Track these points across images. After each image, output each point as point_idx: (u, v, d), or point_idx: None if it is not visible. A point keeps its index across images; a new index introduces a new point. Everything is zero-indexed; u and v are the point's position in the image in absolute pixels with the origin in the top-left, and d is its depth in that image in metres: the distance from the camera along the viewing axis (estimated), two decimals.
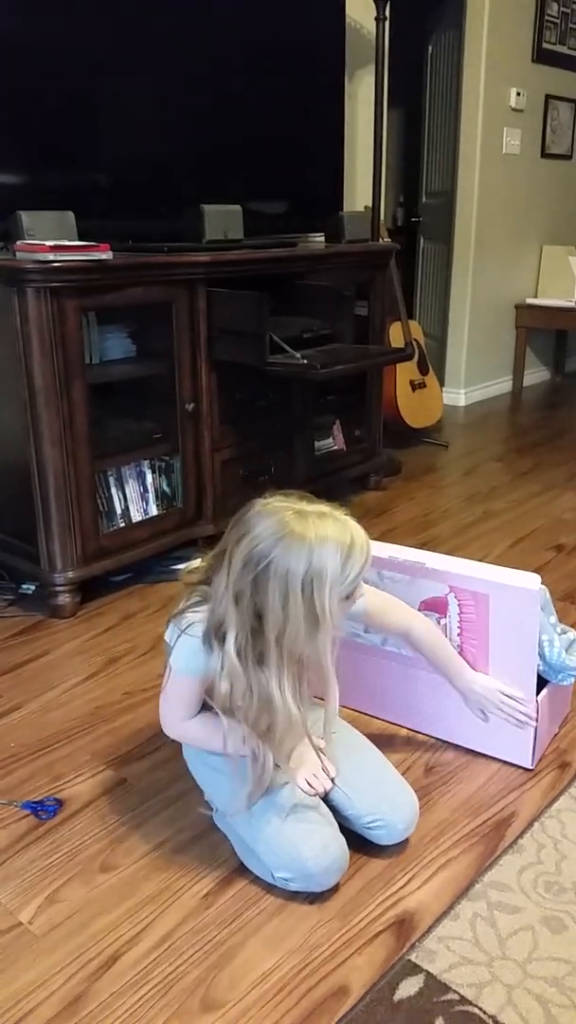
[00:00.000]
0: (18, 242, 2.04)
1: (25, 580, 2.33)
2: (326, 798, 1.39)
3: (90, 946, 1.23)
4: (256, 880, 1.34)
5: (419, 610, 1.61)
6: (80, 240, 2.11)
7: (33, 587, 2.31)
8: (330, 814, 1.35)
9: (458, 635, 1.60)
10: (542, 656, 1.55)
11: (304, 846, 1.27)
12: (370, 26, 3.18)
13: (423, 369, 3.87)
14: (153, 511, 2.43)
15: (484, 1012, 1.12)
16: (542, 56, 4.42)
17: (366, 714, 1.77)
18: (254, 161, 2.87)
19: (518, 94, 4.33)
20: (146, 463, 2.42)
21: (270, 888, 1.32)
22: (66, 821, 1.48)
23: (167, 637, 1.33)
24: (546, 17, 4.37)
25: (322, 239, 3.09)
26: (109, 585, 2.33)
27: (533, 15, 4.30)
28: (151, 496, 2.43)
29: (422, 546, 2.55)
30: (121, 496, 2.37)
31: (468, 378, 4.61)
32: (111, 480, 2.34)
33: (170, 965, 1.20)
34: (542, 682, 1.59)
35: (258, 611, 1.18)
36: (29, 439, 2.08)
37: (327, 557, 1.16)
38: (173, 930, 1.26)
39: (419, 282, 4.71)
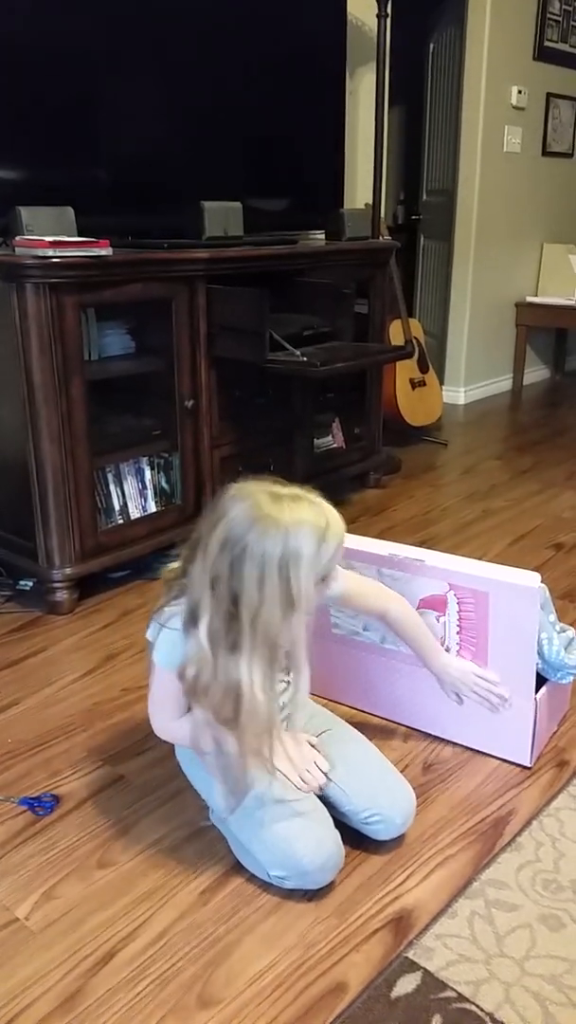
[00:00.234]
0: (17, 238, 2.04)
1: (23, 576, 2.32)
2: (322, 795, 1.38)
3: (87, 942, 1.23)
4: (254, 877, 1.34)
5: (418, 608, 1.61)
6: (80, 236, 2.11)
7: (31, 583, 2.31)
8: (325, 811, 1.34)
9: (457, 633, 1.60)
10: (541, 654, 1.55)
11: (298, 843, 1.27)
12: (371, 23, 3.17)
13: (423, 367, 3.86)
14: (152, 508, 2.43)
15: (482, 1010, 1.12)
16: (543, 54, 4.41)
17: (364, 711, 1.77)
18: (254, 158, 2.87)
19: (519, 92, 4.33)
20: (145, 460, 2.41)
21: (267, 885, 1.32)
22: (63, 817, 1.48)
23: (149, 635, 1.32)
24: (548, 15, 4.37)
25: (322, 236, 3.09)
26: (107, 582, 2.33)
27: (535, 13, 4.30)
28: (150, 493, 2.43)
29: (421, 544, 2.55)
30: (120, 493, 2.36)
31: (468, 376, 4.61)
32: (110, 477, 2.34)
33: (167, 962, 1.20)
34: (541, 680, 1.58)
35: (234, 595, 1.17)
36: (28, 435, 2.08)
37: (303, 540, 1.16)
38: (170, 927, 1.25)
39: (419, 280, 4.70)
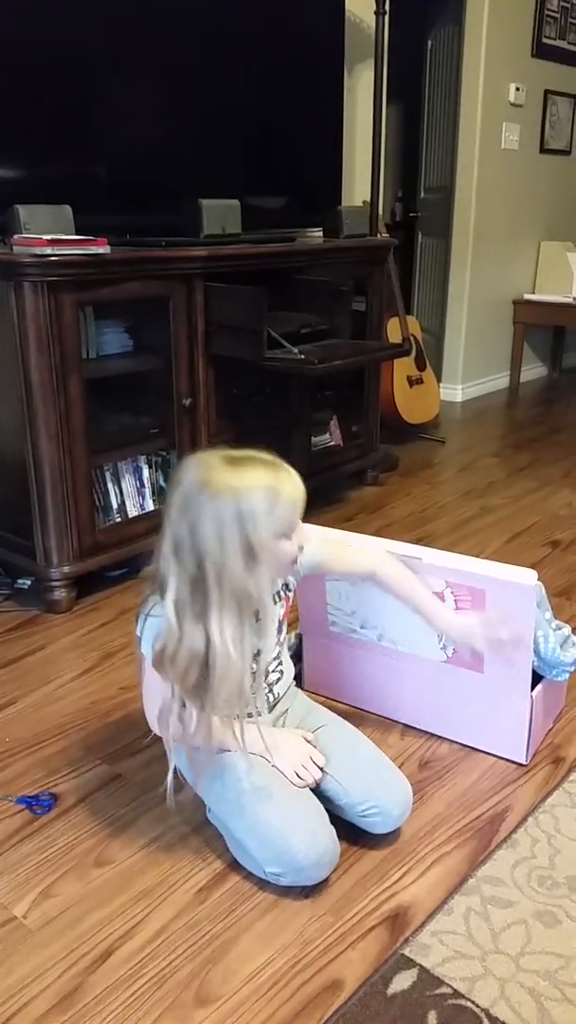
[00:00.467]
0: (15, 236, 2.04)
1: (21, 575, 2.33)
2: (319, 789, 1.39)
3: (84, 941, 1.23)
4: (250, 875, 1.34)
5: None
6: (77, 234, 2.11)
7: (29, 582, 2.31)
8: (320, 807, 1.35)
9: None
10: (537, 652, 1.56)
11: (294, 838, 1.27)
12: (370, 20, 3.17)
13: (420, 365, 3.87)
14: (149, 506, 2.43)
15: (477, 1006, 1.12)
16: (542, 51, 4.41)
17: (361, 709, 1.78)
18: (252, 155, 2.86)
19: (517, 89, 4.33)
20: (143, 458, 2.42)
21: (264, 883, 1.33)
22: (61, 816, 1.49)
23: (137, 631, 1.33)
24: (546, 12, 4.36)
25: (320, 234, 3.09)
26: (105, 580, 2.33)
27: (533, 10, 4.29)
28: (147, 491, 2.43)
29: (418, 541, 2.55)
30: (117, 491, 2.37)
31: (465, 374, 4.61)
32: (107, 475, 2.34)
33: (164, 960, 1.20)
34: (537, 678, 1.59)
35: (198, 557, 1.19)
36: (25, 434, 2.08)
37: (255, 500, 1.19)
38: (167, 925, 1.26)
39: (417, 277, 4.70)
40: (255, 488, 1.19)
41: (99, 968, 1.19)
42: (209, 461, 1.22)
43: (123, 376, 2.39)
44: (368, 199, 3.33)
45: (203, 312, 2.38)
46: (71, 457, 2.12)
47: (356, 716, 1.74)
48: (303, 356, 2.41)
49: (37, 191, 2.19)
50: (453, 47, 4.17)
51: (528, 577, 1.50)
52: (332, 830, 1.32)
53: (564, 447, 3.73)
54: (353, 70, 3.42)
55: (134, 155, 2.53)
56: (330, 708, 1.58)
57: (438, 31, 4.26)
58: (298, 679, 1.72)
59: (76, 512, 2.17)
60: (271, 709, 1.49)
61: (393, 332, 3.67)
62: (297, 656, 1.79)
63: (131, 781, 1.57)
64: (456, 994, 1.14)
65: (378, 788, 1.39)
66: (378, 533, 2.69)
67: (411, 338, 3.74)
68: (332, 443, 3.09)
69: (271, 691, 1.48)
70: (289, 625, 1.55)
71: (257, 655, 1.35)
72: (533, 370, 5.19)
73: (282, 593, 1.45)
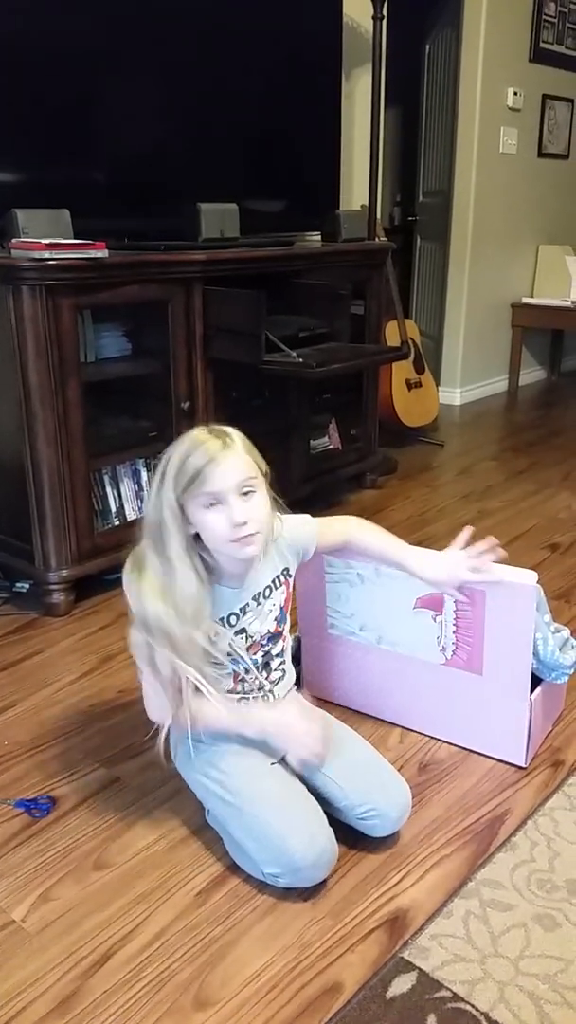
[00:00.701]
0: (14, 240, 2.04)
1: (19, 578, 2.33)
2: (317, 791, 1.39)
3: (83, 944, 1.23)
4: (249, 878, 1.34)
5: (415, 607, 1.62)
6: (76, 238, 2.11)
7: (27, 585, 2.31)
8: (318, 808, 1.35)
9: (453, 632, 1.60)
10: (536, 655, 1.56)
11: (292, 839, 1.27)
12: (368, 25, 3.18)
13: (419, 368, 3.87)
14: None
15: (476, 1009, 1.12)
16: (539, 56, 4.42)
17: (359, 712, 1.78)
18: (251, 159, 2.87)
19: (515, 94, 4.34)
20: (141, 462, 2.42)
21: (263, 886, 1.32)
22: (59, 819, 1.48)
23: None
24: (543, 17, 4.38)
25: (319, 238, 3.09)
26: (103, 583, 2.33)
27: (530, 15, 4.31)
28: (145, 495, 2.43)
29: (418, 544, 2.55)
30: (116, 495, 2.37)
31: (464, 377, 4.61)
32: (106, 478, 2.34)
33: (163, 963, 1.20)
34: (536, 680, 1.59)
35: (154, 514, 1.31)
36: (24, 437, 2.08)
37: (175, 450, 1.29)
38: (166, 928, 1.26)
39: (415, 281, 4.71)
40: (176, 452, 1.29)
41: (98, 971, 1.19)
42: (186, 434, 1.33)
43: (121, 380, 2.39)
44: (366, 203, 3.34)
45: (202, 316, 2.38)
46: (69, 461, 2.12)
47: (355, 719, 1.74)
48: (301, 360, 2.42)
49: (36, 195, 2.19)
50: (451, 51, 4.18)
51: (528, 579, 1.50)
52: (330, 831, 1.32)
53: (563, 450, 3.73)
54: (351, 74, 3.43)
55: (133, 159, 2.54)
56: (329, 711, 1.58)
57: (436, 35, 4.27)
58: (297, 682, 1.71)
59: (74, 516, 2.17)
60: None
61: (391, 336, 3.67)
62: (296, 659, 1.79)
63: (130, 784, 1.57)
64: (456, 997, 1.14)
65: (376, 791, 1.39)
66: None
67: (409, 341, 3.74)
68: (331, 446, 3.09)
69: (272, 691, 1.48)
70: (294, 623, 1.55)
71: (236, 626, 1.38)
72: (532, 373, 5.20)
73: (281, 578, 1.46)
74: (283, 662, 1.50)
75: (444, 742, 1.69)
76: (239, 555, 1.33)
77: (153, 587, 1.30)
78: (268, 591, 1.43)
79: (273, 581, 1.44)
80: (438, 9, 4.18)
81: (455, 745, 1.68)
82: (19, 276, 1.97)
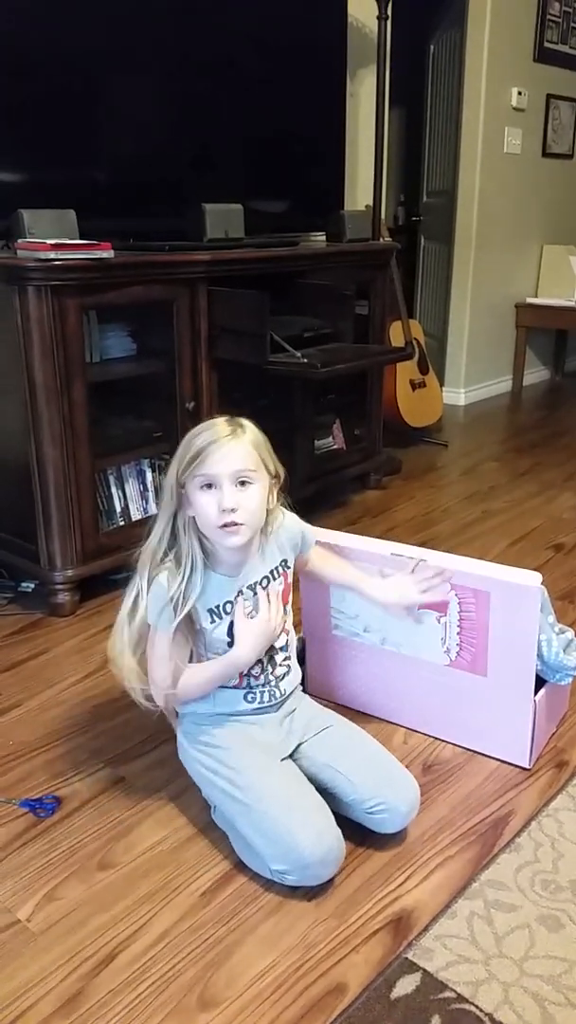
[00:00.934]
0: (19, 240, 2.05)
1: (25, 578, 2.33)
2: (326, 787, 1.40)
3: (88, 944, 1.23)
4: (254, 878, 1.34)
5: (419, 608, 1.62)
6: (81, 239, 2.11)
7: (32, 585, 2.31)
8: (325, 805, 1.35)
9: (457, 633, 1.60)
10: (540, 656, 1.56)
11: (300, 835, 1.28)
12: (372, 25, 3.17)
13: (423, 368, 3.87)
14: (153, 510, 2.43)
15: (481, 1010, 1.12)
16: (544, 55, 4.42)
17: (364, 712, 1.78)
18: (255, 160, 2.87)
19: (519, 93, 4.33)
20: (146, 462, 2.42)
21: (268, 886, 1.33)
22: (64, 819, 1.49)
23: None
24: (548, 16, 4.37)
25: (323, 238, 3.09)
26: (108, 584, 2.33)
27: (535, 14, 4.30)
28: (151, 495, 2.43)
29: (422, 545, 2.54)
30: (121, 495, 2.37)
31: (468, 377, 4.61)
32: (111, 479, 2.34)
33: (168, 963, 1.20)
34: (540, 682, 1.59)
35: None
36: (29, 437, 2.08)
37: (192, 431, 1.37)
38: (171, 928, 1.26)
39: (420, 281, 4.71)
40: (191, 432, 1.37)
41: (103, 972, 1.19)
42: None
43: (126, 380, 2.40)
44: (371, 203, 3.34)
45: (206, 316, 2.38)
46: (75, 461, 2.13)
47: (359, 719, 1.73)
48: (306, 360, 2.42)
49: (41, 195, 2.20)
50: (455, 51, 4.18)
51: (532, 579, 1.50)
52: (338, 829, 1.32)
53: (567, 451, 3.73)
54: (356, 75, 3.43)
55: (138, 159, 2.54)
56: (334, 711, 1.58)
57: (440, 36, 4.27)
58: (302, 682, 1.72)
59: (80, 516, 2.17)
60: (279, 707, 1.50)
61: (396, 336, 3.67)
62: (300, 660, 1.79)
63: (135, 784, 1.57)
64: (460, 998, 1.14)
65: (386, 785, 1.39)
66: (381, 537, 2.67)
67: (414, 342, 3.74)
68: (335, 447, 3.09)
69: (278, 686, 1.48)
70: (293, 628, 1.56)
71: (228, 616, 1.42)
72: (536, 374, 5.20)
73: (280, 570, 1.48)
74: (287, 657, 1.51)
75: (448, 743, 1.69)
76: (224, 542, 1.36)
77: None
78: (265, 581, 1.45)
79: (271, 572, 1.46)
80: (442, 9, 4.18)
81: (459, 746, 1.68)
82: (25, 276, 1.97)
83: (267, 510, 1.41)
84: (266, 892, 1.32)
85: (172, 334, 2.34)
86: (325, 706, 1.61)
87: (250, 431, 1.39)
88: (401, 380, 3.72)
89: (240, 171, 2.83)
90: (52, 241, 2.00)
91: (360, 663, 1.76)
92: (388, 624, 1.68)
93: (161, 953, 1.22)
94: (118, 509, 2.36)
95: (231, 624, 1.41)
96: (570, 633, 1.64)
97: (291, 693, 1.53)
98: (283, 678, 1.50)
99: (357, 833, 1.40)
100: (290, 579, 1.52)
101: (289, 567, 1.51)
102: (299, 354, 2.44)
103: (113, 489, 2.35)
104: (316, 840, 1.28)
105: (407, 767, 1.60)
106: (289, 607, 1.52)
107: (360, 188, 3.58)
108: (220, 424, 1.37)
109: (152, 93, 2.55)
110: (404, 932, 1.25)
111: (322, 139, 3.12)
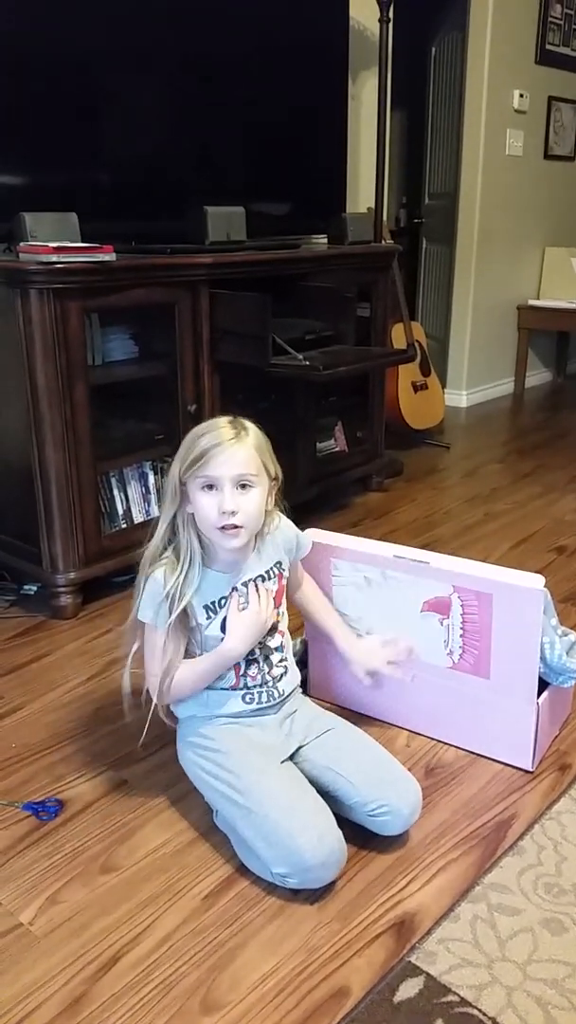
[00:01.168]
0: (21, 243, 2.05)
1: (27, 581, 2.33)
2: (328, 790, 1.39)
3: (91, 947, 1.23)
4: (257, 881, 1.34)
5: (422, 611, 1.61)
6: (83, 241, 2.12)
7: (35, 588, 2.31)
8: (326, 807, 1.35)
9: (460, 636, 1.60)
10: (543, 658, 1.55)
11: (301, 838, 1.27)
12: (374, 28, 3.18)
13: (425, 370, 3.87)
14: (155, 512, 2.43)
15: (484, 1014, 1.12)
16: (545, 58, 4.42)
17: (366, 716, 1.78)
18: (257, 162, 2.87)
19: (521, 96, 4.34)
20: (148, 464, 2.42)
21: (271, 890, 1.32)
22: (67, 822, 1.49)
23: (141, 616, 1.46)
24: (549, 19, 4.38)
25: (325, 240, 3.09)
26: (111, 586, 2.33)
27: (536, 17, 4.31)
28: (153, 497, 2.43)
29: (423, 547, 2.54)
30: (123, 497, 2.37)
31: (470, 379, 4.61)
32: (113, 481, 2.34)
33: (170, 966, 1.20)
34: (543, 684, 1.59)
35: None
36: (32, 440, 2.09)
37: (195, 429, 1.38)
38: (173, 931, 1.26)
39: (421, 283, 4.71)
40: (195, 431, 1.38)
41: (105, 975, 1.19)
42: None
43: (129, 383, 2.40)
44: (372, 205, 3.34)
45: (208, 319, 2.38)
46: (77, 463, 2.13)
47: (362, 722, 1.73)
48: (308, 362, 2.42)
49: (43, 198, 2.20)
50: (457, 54, 4.18)
51: (535, 582, 1.50)
52: (339, 832, 1.32)
53: (569, 452, 3.73)
54: (357, 77, 3.43)
55: (140, 162, 2.54)
56: (336, 714, 1.58)
57: (442, 38, 4.27)
58: (304, 685, 1.72)
59: (82, 518, 2.17)
60: (278, 708, 1.50)
61: (398, 338, 3.67)
62: (303, 662, 1.79)
63: (137, 787, 1.57)
64: (463, 1002, 1.14)
65: (388, 787, 1.39)
66: (383, 539, 2.67)
67: (416, 344, 3.74)
68: (337, 449, 3.09)
69: (276, 686, 1.49)
70: (294, 631, 1.56)
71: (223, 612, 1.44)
72: (538, 375, 5.20)
73: (274, 570, 1.49)
74: (284, 659, 1.51)
75: (451, 746, 1.69)
76: (221, 543, 1.38)
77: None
78: (260, 580, 1.46)
79: (266, 572, 1.47)
80: (444, 11, 4.19)
81: (462, 749, 1.68)
82: (27, 280, 1.97)
83: (265, 511, 1.42)
84: (268, 896, 1.32)
85: (174, 337, 2.34)
86: (327, 709, 1.61)
87: (253, 434, 1.39)
88: (403, 382, 3.72)
89: (242, 173, 2.83)
90: (54, 244, 2.00)
91: None
92: (392, 626, 1.68)
93: (164, 957, 1.22)
94: (120, 512, 2.36)
95: (224, 621, 1.42)
96: (573, 635, 1.64)
97: (290, 694, 1.53)
98: (280, 679, 1.50)
99: (359, 836, 1.40)
100: (284, 581, 1.52)
101: (284, 569, 1.52)
102: (301, 356, 2.44)
103: (115, 492, 2.35)
104: (317, 842, 1.28)
105: (409, 770, 1.60)
106: (284, 609, 1.53)
107: (362, 190, 3.59)
108: (224, 426, 1.37)
109: (154, 96, 2.56)
110: (407, 935, 1.25)
111: (324, 141, 3.12)
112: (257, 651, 1.46)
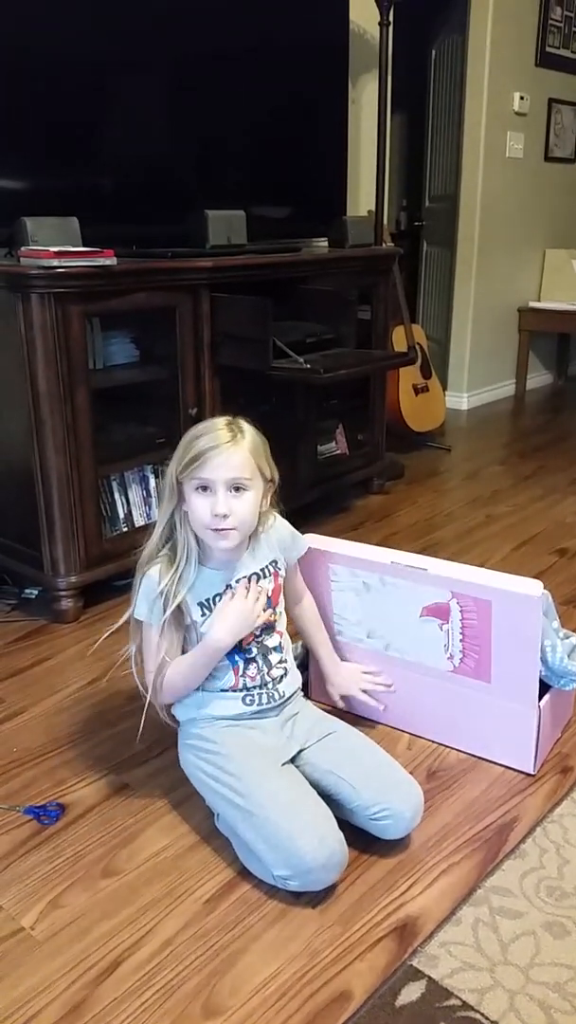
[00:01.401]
0: (22, 248, 2.05)
1: (28, 585, 2.33)
2: (330, 793, 1.39)
3: (92, 951, 1.23)
4: (258, 885, 1.34)
5: (421, 616, 1.61)
6: (84, 246, 2.12)
7: (36, 592, 2.32)
8: (328, 810, 1.35)
9: (460, 641, 1.60)
10: (544, 661, 1.55)
11: (301, 840, 1.27)
12: (374, 31, 3.18)
13: (426, 373, 3.87)
14: (156, 516, 2.43)
15: (486, 1018, 1.12)
16: (545, 60, 4.43)
17: (368, 719, 1.78)
18: (258, 166, 2.88)
19: (521, 98, 4.34)
20: (149, 468, 2.42)
21: (272, 893, 1.32)
22: (68, 826, 1.49)
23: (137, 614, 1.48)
24: (550, 21, 4.38)
25: (325, 244, 3.10)
26: (112, 590, 2.33)
27: (536, 19, 4.31)
28: (154, 501, 2.43)
29: (425, 550, 2.55)
30: (124, 501, 2.37)
31: (471, 382, 4.61)
32: (114, 485, 2.35)
33: (172, 971, 1.20)
34: (544, 687, 1.59)
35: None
36: (33, 444, 2.09)
37: (192, 430, 1.40)
38: (175, 936, 1.26)
39: (422, 286, 4.71)
40: (192, 431, 1.39)
41: (107, 979, 1.19)
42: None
43: (130, 386, 2.40)
44: (373, 208, 3.34)
45: (209, 322, 2.38)
46: (78, 467, 2.13)
47: (363, 725, 1.74)
48: (309, 365, 2.42)
49: (44, 203, 2.20)
50: (457, 56, 4.19)
51: (533, 588, 1.50)
52: (340, 834, 1.32)
53: (570, 455, 3.73)
54: (358, 80, 3.44)
55: (140, 166, 2.54)
56: (337, 717, 1.58)
57: (442, 41, 4.27)
58: (305, 689, 1.72)
59: (83, 522, 2.17)
60: (279, 710, 1.50)
61: (398, 341, 3.67)
62: (304, 666, 1.79)
63: (139, 791, 1.57)
64: (465, 1006, 1.14)
65: (390, 791, 1.39)
66: (384, 542, 2.69)
67: (416, 346, 3.74)
68: (338, 452, 3.09)
69: (276, 688, 1.49)
70: (293, 634, 1.56)
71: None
72: (539, 378, 5.20)
73: (270, 568, 1.50)
74: (283, 660, 1.51)
75: (453, 749, 1.69)
76: (214, 544, 1.40)
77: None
78: (255, 578, 1.47)
79: (261, 570, 1.48)
80: (444, 14, 4.19)
81: (463, 752, 1.68)
82: (28, 284, 1.98)
83: (260, 512, 1.44)
84: (270, 899, 1.32)
85: (175, 340, 2.34)
86: (328, 712, 1.61)
87: (249, 436, 1.40)
88: (404, 385, 3.73)
89: (243, 177, 2.84)
90: (55, 248, 2.01)
91: None
92: (391, 630, 1.68)
93: (165, 961, 1.22)
94: (121, 515, 2.37)
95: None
96: (574, 638, 1.64)
97: (291, 696, 1.53)
98: (281, 680, 1.50)
99: (361, 839, 1.40)
100: (281, 580, 1.52)
101: (280, 568, 1.52)
102: (302, 359, 2.44)
103: (116, 495, 2.35)
104: (318, 845, 1.28)
105: (411, 773, 1.60)
106: (283, 610, 1.53)
107: (362, 193, 3.59)
108: (221, 428, 1.38)
109: (155, 100, 2.56)
110: (409, 939, 1.25)
111: (324, 145, 3.13)
112: (255, 650, 1.47)
